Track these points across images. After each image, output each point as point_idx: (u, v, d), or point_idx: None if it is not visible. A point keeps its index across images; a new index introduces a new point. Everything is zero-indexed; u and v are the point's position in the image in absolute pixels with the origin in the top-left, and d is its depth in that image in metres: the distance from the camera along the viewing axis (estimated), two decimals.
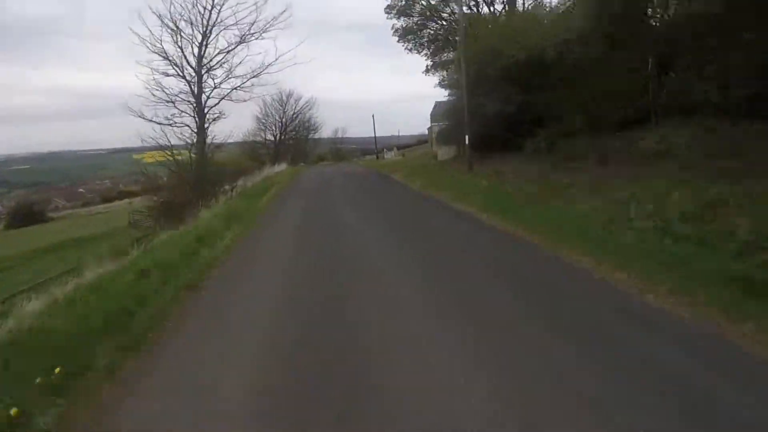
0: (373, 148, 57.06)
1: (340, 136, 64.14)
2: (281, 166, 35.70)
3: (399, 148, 53.85)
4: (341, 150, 63.86)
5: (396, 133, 57.02)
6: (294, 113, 55.20)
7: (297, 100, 55.00)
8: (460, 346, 3.48)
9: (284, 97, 53.63)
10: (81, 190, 73.99)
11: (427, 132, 39.71)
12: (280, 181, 23.05)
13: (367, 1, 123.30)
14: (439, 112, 30.01)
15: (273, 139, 53.84)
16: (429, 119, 33.89)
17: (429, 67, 26.69)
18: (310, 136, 58.55)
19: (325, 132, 60.65)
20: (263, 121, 54.02)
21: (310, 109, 56.01)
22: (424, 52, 26.37)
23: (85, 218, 41.57)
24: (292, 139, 55.80)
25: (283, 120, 54.47)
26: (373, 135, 55.67)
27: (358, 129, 79.49)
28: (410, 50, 26.44)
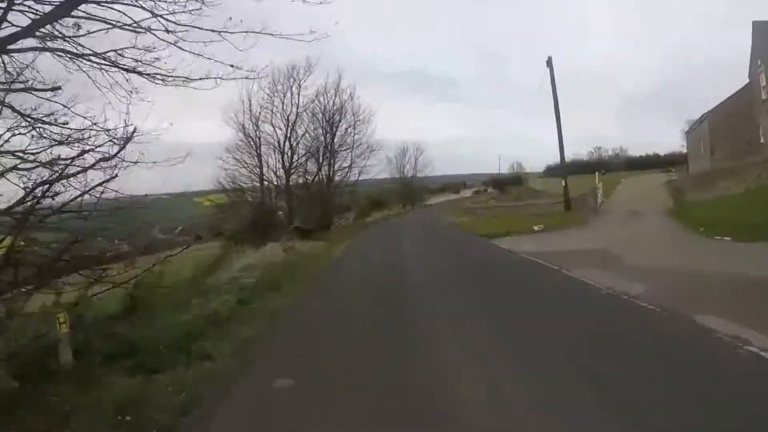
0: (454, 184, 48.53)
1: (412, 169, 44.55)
2: None
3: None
4: (413, 187, 45.33)
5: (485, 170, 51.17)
6: (333, 105, 29.72)
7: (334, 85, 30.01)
8: None
9: (301, 72, 27.95)
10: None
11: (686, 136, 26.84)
12: None
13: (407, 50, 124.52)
14: None
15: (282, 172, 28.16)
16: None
17: None
18: (362, 165, 32.27)
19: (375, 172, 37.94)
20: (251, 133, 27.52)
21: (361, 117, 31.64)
22: None
23: None
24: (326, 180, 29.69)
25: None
26: (449, 173, 47.45)
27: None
28: None
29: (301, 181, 29.36)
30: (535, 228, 16.51)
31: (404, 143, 48.22)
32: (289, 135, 28.72)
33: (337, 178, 31.31)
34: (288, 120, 28.88)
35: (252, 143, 28.33)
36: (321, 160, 29.95)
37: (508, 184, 49.52)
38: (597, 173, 24.09)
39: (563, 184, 21.15)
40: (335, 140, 30.59)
